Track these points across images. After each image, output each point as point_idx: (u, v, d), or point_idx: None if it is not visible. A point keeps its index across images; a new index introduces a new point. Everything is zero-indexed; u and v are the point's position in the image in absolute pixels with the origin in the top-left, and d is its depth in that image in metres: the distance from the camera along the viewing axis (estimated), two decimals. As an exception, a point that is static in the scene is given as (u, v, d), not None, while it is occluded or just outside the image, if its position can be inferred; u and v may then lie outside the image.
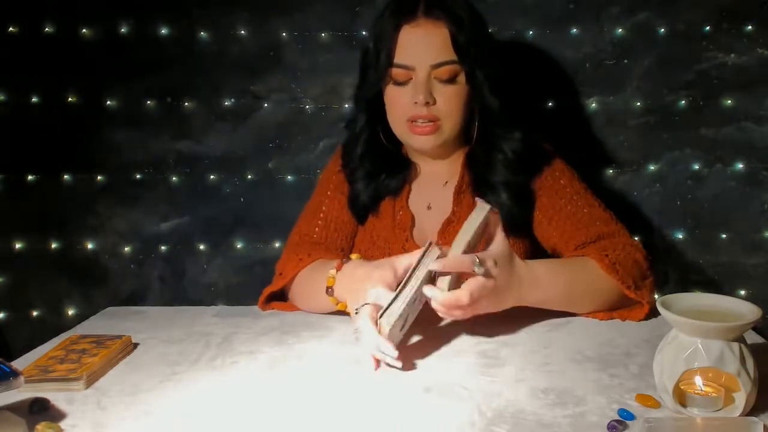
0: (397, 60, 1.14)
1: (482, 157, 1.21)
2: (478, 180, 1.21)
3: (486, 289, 0.94)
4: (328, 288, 1.06)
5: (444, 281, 0.93)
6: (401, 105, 1.16)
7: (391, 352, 0.89)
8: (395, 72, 1.14)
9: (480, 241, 0.98)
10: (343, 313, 1.07)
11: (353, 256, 1.10)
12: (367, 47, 1.20)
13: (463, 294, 0.92)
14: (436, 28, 1.13)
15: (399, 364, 0.90)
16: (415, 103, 1.13)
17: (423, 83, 1.13)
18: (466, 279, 0.94)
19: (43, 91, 1.61)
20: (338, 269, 1.06)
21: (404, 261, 0.98)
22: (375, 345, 0.89)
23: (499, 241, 0.98)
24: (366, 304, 0.94)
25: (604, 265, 1.06)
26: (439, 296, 0.92)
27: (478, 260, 0.93)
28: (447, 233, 1.20)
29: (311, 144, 1.61)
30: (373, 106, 1.21)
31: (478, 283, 0.93)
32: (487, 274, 0.94)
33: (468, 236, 0.95)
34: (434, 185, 1.26)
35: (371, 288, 0.95)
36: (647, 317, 1.06)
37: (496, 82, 1.16)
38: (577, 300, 1.07)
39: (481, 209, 0.97)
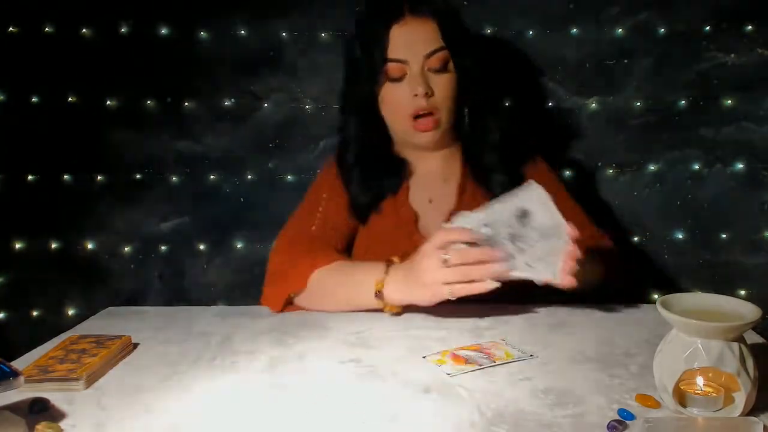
0: (390, 55, 1.17)
1: (475, 148, 1.26)
2: (474, 171, 1.26)
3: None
4: (377, 292, 1.08)
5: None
6: (401, 101, 1.19)
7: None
8: (391, 67, 1.18)
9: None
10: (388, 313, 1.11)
11: (395, 258, 1.11)
12: (353, 52, 1.24)
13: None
14: (423, 24, 1.18)
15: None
16: (415, 95, 1.16)
17: (419, 75, 1.17)
18: None
19: (43, 91, 1.60)
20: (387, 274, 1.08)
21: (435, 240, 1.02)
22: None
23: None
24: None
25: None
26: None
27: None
28: None
29: (311, 144, 1.61)
30: (364, 109, 1.24)
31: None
32: None
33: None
34: (432, 180, 1.28)
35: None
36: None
37: (482, 68, 1.23)
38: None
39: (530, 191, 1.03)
